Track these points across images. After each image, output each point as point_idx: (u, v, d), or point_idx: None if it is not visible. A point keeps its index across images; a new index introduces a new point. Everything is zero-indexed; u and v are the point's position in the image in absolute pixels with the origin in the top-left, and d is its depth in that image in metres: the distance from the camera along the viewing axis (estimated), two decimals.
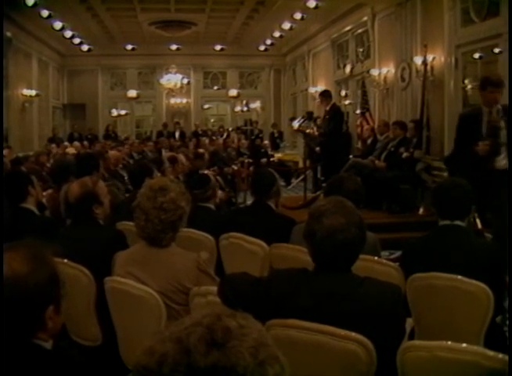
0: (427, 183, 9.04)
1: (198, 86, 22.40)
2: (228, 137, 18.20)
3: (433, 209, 3.81)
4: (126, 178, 7.88)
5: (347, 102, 15.18)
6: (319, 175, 11.45)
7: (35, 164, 10.59)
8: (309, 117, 11.06)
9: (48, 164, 9.84)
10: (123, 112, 22.15)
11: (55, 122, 20.33)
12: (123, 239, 3.82)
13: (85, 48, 19.27)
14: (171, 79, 20.31)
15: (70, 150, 13.08)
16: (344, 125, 12.90)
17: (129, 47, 20.26)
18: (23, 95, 15.92)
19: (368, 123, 12.09)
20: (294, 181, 14.98)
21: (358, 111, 13.27)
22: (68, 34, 16.57)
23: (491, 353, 2.16)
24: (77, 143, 15.80)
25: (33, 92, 16.44)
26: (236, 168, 12.56)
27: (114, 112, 22.03)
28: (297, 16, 14.70)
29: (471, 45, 9.29)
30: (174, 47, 20.31)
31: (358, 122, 12.87)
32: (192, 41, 19.31)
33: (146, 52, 20.63)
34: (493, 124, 5.89)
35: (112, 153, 10.49)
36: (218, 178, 8.93)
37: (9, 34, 13.83)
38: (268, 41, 19.22)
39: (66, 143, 16.12)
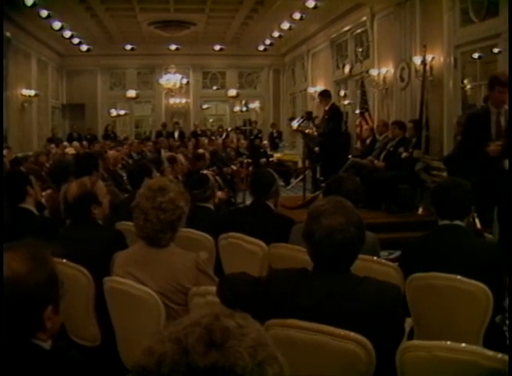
0: (427, 183, 9.05)
1: (197, 86, 22.41)
2: (227, 137, 18.20)
3: (432, 209, 3.81)
4: (125, 178, 7.88)
5: (346, 102, 15.18)
6: (318, 175, 11.45)
7: (34, 164, 10.59)
8: (308, 117, 11.04)
9: (48, 165, 9.83)
10: (122, 112, 22.14)
11: (55, 122, 20.32)
12: (122, 239, 3.82)
13: (84, 48, 19.27)
14: (170, 79, 20.31)
15: (70, 150, 13.07)
16: (343, 125, 12.90)
17: (128, 47, 20.25)
18: (22, 95, 15.91)
19: (367, 123, 12.09)
20: (293, 181, 14.99)
21: (357, 111, 13.26)
22: (67, 34, 16.57)
23: (490, 353, 2.16)
24: (76, 143, 15.79)
25: (32, 92, 16.42)
26: (235, 168, 12.57)
27: (113, 112, 22.02)
28: (296, 16, 14.70)
29: (470, 44, 9.29)
30: (173, 47, 20.30)
31: (358, 122, 12.87)
32: (192, 41, 19.31)
33: (145, 52, 20.63)
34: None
35: (111, 153, 10.50)
36: (217, 178, 8.94)
37: (8, 34, 13.81)
38: (268, 41, 19.22)
39: (65, 143, 16.10)
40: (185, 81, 20.75)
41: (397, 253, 5.98)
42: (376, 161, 9.70)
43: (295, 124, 10.77)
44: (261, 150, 17.05)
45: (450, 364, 2.20)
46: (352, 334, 2.23)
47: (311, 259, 2.52)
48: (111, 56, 20.81)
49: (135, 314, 3.05)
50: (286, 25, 15.88)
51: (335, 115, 10.86)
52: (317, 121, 12.27)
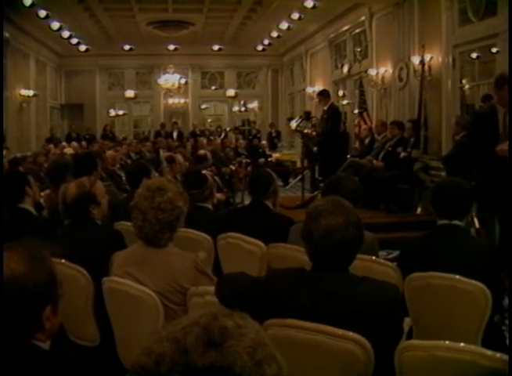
0: (425, 183, 9.05)
1: (196, 86, 22.41)
2: (226, 137, 18.18)
3: (431, 209, 3.81)
4: (124, 178, 7.87)
5: (344, 102, 15.20)
6: (316, 175, 11.45)
7: (33, 164, 10.58)
8: (307, 117, 11.07)
9: (46, 165, 9.82)
10: (121, 112, 22.15)
11: (53, 122, 20.32)
12: (121, 239, 3.81)
13: (83, 48, 19.26)
14: (169, 79, 20.32)
15: (68, 150, 13.05)
16: (342, 125, 12.91)
17: (127, 47, 20.25)
18: (20, 95, 15.90)
19: (366, 123, 12.09)
20: (292, 181, 14.99)
21: (355, 111, 13.28)
22: (66, 34, 16.57)
23: (489, 353, 2.16)
24: (74, 143, 15.77)
25: (30, 93, 16.41)
26: (233, 168, 12.55)
27: (112, 112, 22.03)
28: (295, 15, 14.71)
29: (469, 44, 9.31)
30: (171, 47, 20.30)
31: (356, 122, 12.88)
32: (190, 41, 19.30)
33: (144, 52, 20.62)
34: None
35: (109, 152, 10.50)
36: (216, 178, 8.93)
37: (6, 34, 13.79)
38: (266, 41, 19.21)
39: (63, 143, 16.09)
40: (183, 81, 20.76)
41: (395, 253, 5.99)
42: (374, 161, 9.71)
43: (294, 124, 10.80)
44: (260, 150, 17.06)
45: (449, 364, 2.20)
46: (351, 333, 2.23)
47: (309, 259, 2.51)
48: (110, 56, 20.81)
49: (134, 314, 3.04)
50: (284, 25, 15.89)
51: (334, 115, 10.85)
52: (314, 121, 12.29)
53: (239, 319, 1.14)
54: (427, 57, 9.96)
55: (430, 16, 10.11)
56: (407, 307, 3.35)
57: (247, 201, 5.63)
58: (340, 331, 2.24)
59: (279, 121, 22.00)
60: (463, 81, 9.99)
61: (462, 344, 2.24)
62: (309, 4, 13.28)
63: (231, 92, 22.43)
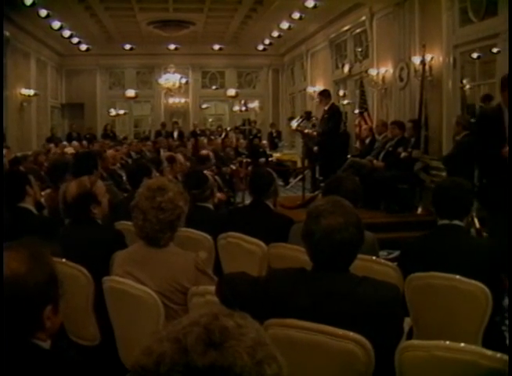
0: (426, 183, 9.05)
1: (196, 86, 22.40)
2: (226, 137, 18.17)
3: (432, 209, 3.81)
4: (124, 177, 7.87)
5: (345, 102, 15.18)
6: (317, 175, 11.44)
7: (34, 163, 10.59)
8: (307, 116, 11.06)
9: (47, 164, 9.82)
10: (121, 111, 22.13)
11: (54, 122, 20.32)
12: (121, 239, 3.82)
13: (84, 47, 19.24)
14: (170, 79, 20.29)
15: (69, 150, 13.06)
16: (343, 125, 12.90)
17: (127, 47, 20.22)
18: (21, 94, 15.89)
19: (366, 123, 12.09)
20: (293, 180, 14.97)
21: (356, 111, 13.27)
22: (66, 33, 16.55)
23: (489, 353, 2.16)
24: (75, 143, 15.80)
25: (31, 92, 16.39)
26: (234, 167, 12.54)
27: (113, 111, 22.01)
28: (296, 15, 14.69)
29: (469, 44, 9.30)
30: (172, 47, 20.29)
31: (357, 122, 12.87)
32: (191, 40, 19.29)
33: (145, 52, 20.61)
34: None
35: (109, 152, 10.49)
36: (217, 177, 8.91)
37: (7, 33, 13.79)
38: (267, 41, 19.19)
39: (64, 143, 16.10)
40: (184, 80, 20.74)
41: (396, 253, 5.99)
42: (375, 161, 9.71)
43: (294, 123, 10.79)
44: (261, 150, 17.03)
45: (449, 364, 2.20)
46: (351, 333, 2.23)
47: (310, 259, 2.51)
48: (110, 56, 20.80)
49: (135, 314, 3.04)
50: (285, 25, 15.88)
51: (334, 115, 10.85)
52: (314, 121, 12.29)
53: (239, 319, 1.14)
54: (428, 57, 9.95)
55: (430, 16, 10.11)
56: (407, 307, 3.35)
57: (248, 201, 5.63)
58: (340, 331, 2.25)
59: (279, 120, 22.00)
60: (464, 81, 9.98)
61: (462, 344, 2.24)
62: (310, 4, 13.27)
63: (231, 92, 22.42)
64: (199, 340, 1.07)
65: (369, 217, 7.41)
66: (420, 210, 8.99)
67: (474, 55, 9.55)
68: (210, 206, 5.29)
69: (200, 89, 22.63)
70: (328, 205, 2.48)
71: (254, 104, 22.80)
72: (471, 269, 3.22)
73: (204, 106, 23.13)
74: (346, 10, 14.00)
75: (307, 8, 13.54)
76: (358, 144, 12.53)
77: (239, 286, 2.65)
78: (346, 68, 14.76)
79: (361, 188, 4.19)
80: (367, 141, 11.28)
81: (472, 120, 8.29)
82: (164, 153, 11.40)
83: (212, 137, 18.25)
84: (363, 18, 13.25)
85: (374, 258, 3.71)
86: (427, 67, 9.91)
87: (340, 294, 2.36)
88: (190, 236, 4.36)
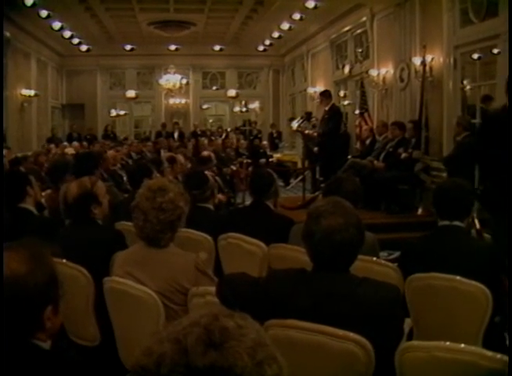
0: (426, 184, 9.05)
1: (197, 86, 22.40)
2: (227, 137, 18.18)
3: (432, 209, 3.81)
4: (124, 178, 7.88)
5: (345, 102, 15.18)
6: (317, 176, 11.44)
7: (34, 164, 10.58)
8: (308, 117, 11.05)
9: (47, 165, 9.82)
10: (122, 112, 22.13)
11: (54, 122, 20.32)
12: (122, 239, 3.82)
13: (84, 48, 19.26)
14: (170, 79, 20.29)
15: (69, 150, 13.05)
16: (343, 126, 12.90)
17: (128, 47, 20.24)
18: (21, 95, 15.89)
19: (367, 123, 12.08)
20: (293, 181, 14.96)
21: (356, 112, 13.26)
22: (67, 34, 16.56)
23: (489, 353, 2.16)
24: (76, 143, 15.79)
25: (32, 92, 16.39)
26: (234, 168, 12.55)
27: (113, 112, 22.01)
28: (296, 16, 14.69)
29: (470, 45, 9.28)
30: (173, 47, 20.30)
31: (357, 122, 12.86)
32: (191, 41, 19.30)
33: (145, 53, 20.61)
34: None
35: (109, 152, 10.49)
36: (217, 178, 8.91)
37: (7, 34, 13.80)
38: (267, 42, 19.20)
39: (65, 143, 16.10)
40: (184, 81, 20.73)
41: (396, 253, 5.97)
42: (375, 162, 9.71)
43: (295, 124, 10.78)
44: (261, 151, 17.02)
45: (449, 365, 2.20)
46: (351, 334, 2.23)
47: (310, 260, 2.52)
48: (111, 56, 20.80)
49: (135, 314, 3.05)
50: (285, 25, 15.87)
51: (335, 115, 10.86)
52: (314, 122, 12.29)
53: (239, 319, 1.14)
54: (428, 58, 9.94)
55: (431, 17, 10.10)
56: (408, 308, 3.35)
57: (248, 202, 5.63)
58: (340, 332, 2.25)
59: (280, 121, 21.99)
60: (464, 82, 9.97)
61: (462, 345, 2.24)
62: (310, 4, 13.27)
63: (232, 93, 22.42)
64: (199, 340, 1.07)
65: (369, 218, 7.42)
66: (420, 211, 8.99)
67: (475, 56, 9.53)
68: (211, 207, 5.29)
69: (201, 90, 22.63)
70: (328, 206, 2.47)
71: (255, 105, 22.79)
72: (472, 270, 3.22)
73: (205, 106, 23.16)
74: (347, 11, 13.99)
75: (307, 8, 13.54)
76: (358, 145, 12.52)
77: (239, 286, 2.65)
78: (346, 69, 14.75)
79: (361, 189, 4.20)
80: (367, 142, 11.28)
81: (473, 121, 8.29)
82: (164, 154, 11.41)
83: (213, 138, 18.24)
84: (364, 19, 13.25)
85: (374, 258, 3.71)
86: (427, 68, 9.90)
87: (341, 294, 2.36)
88: (190, 236, 4.36)
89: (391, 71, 11.87)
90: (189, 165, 10.32)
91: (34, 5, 12.34)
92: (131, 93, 21.87)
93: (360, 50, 14.21)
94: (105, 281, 3.20)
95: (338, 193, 3.52)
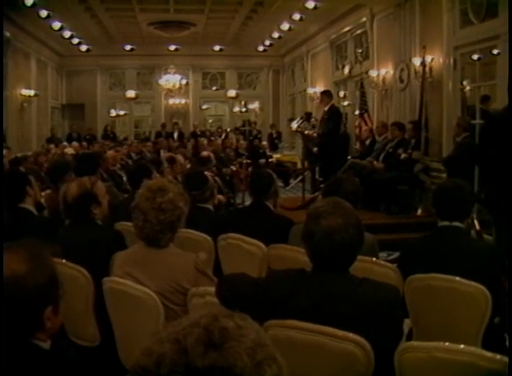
0: (426, 184, 9.06)
1: (197, 87, 22.39)
2: (226, 138, 18.16)
3: (432, 210, 3.81)
4: (124, 178, 7.87)
5: (345, 103, 15.16)
6: (317, 176, 11.45)
7: (34, 164, 10.57)
8: (307, 117, 11.06)
9: (47, 165, 9.80)
10: (121, 112, 22.11)
11: (54, 122, 20.32)
12: (121, 239, 3.82)
13: (84, 48, 19.24)
14: (170, 79, 20.27)
15: (69, 150, 13.04)
16: (343, 126, 12.91)
17: (128, 47, 20.22)
18: (21, 95, 15.87)
19: (366, 124, 12.08)
20: (293, 182, 14.96)
21: (356, 112, 13.25)
22: (67, 34, 16.54)
23: (489, 354, 2.16)
24: (75, 143, 15.78)
25: (31, 92, 16.37)
26: (234, 168, 12.53)
27: (113, 112, 21.99)
28: (296, 16, 14.68)
29: (470, 46, 9.27)
30: (172, 47, 20.29)
31: (357, 123, 12.87)
32: (191, 41, 19.29)
33: (145, 53, 20.61)
34: None
35: (109, 153, 10.49)
36: (217, 178, 8.90)
37: (7, 34, 13.79)
38: (267, 42, 19.18)
39: (64, 143, 16.09)
40: (184, 81, 20.71)
41: (396, 254, 5.98)
42: (375, 162, 9.71)
43: (294, 124, 10.80)
44: (261, 151, 17.01)
45: (449, 365, 2.20)
46: (351, 334, 2.23)
47: (310, 260, 2.52)
48: (111, 57, 20.78)
49: (134, 314, 3.05)
50: (285, 26, 15.85)
51: (334, 116, 10.87)
52: (313, 122, 12.30)
53: (239, 320, 1.14)
54: (428, 58, 9.94)
55: (431, 18, 10.10)
56: (407, 308, 3.35)
57: (248, 202, 5.64)
58: (340, 332, 2.25)
59: (279, 121, 21.98)
60: (464, 83, 9.96)
61: (462, 345, 2.24)
62: (310, 5, 13.26)
63: (232, 93, 22.40)
64: (199, 341, 1.07)
65: (369, 218, 7.43)
66: (419, 211, 9.00)
67: (475, 56, 9.53)
68: (211, 207, 5.29)
69: (201, 90, 22.62)
70: (328, 206, 2.48)
71: (255, 105, 22.77)
72: (471, 271, 3.22)
73: (204, 107, 23.14)
74: (346, 11, 13.99)
75: (307, 9, 13.52)
76: (358, 145, 12.53)
77: (238, 287, 2.65)
78: (346, 69, 14.74)
79: (361, 189, 4.19)
80: (367, 142, 11.29)
81: (472, 121, 8.29)
82: (164, 154, 11.41)
83: (212, 138, 18.22)
84: (364, 19, 13.24)
85: (374, 259, 3.71)
86: (427, 69, 9.90)
87: (340, 295, 2.36)
88: (190, 237, 4.36)
89: (391, 72, 11.87)
90: (188, 165, 10.31)
91: (34, 5, 12.32)
92: (130, 93, 21.85)
93: (360, 51, 14.21)
94: (104, 281, 3.19)
95: (338, 194, 3.52)
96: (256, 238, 4.24)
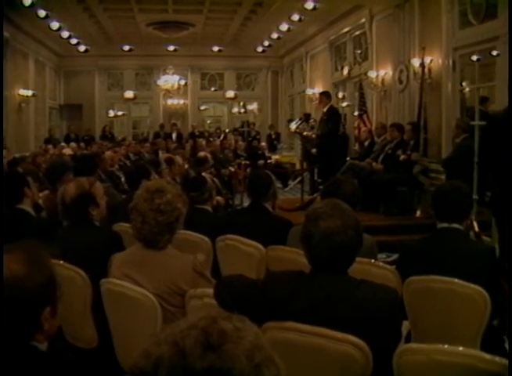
0: (425, 186, 9.05)
1: (195, 87, 22.38)
2: (225, 139, 18.13)
3: (431, 211, 3.81)
4: (122, 179, 7.86)
5: (344, 104, 15.14)
6: (316, 177, 11.44)
7: (32, 164, 10.53)
8: (306, 118, 11.05)
9: (45, 165, 9.77)
10: (120, 113, 22.10)
11: (52, 123, 20.28)
12: (119, 240, 3.79)
13: (82, 48, 19.21)
14: (168, 80, 20.24)
15: (67, 151, 13.02)
16: (342, 127, 12.90)
17: (126, 48, 20.21)
18: (19, 95, 15.85)
19: (365, 125, 12.09)
20: (291, 183, 14.94)
21: (355, 113, 13.26)
22: (65, 34, 16.55)
23: (488, 356, 2.16)
24: (73, 144, 15.74)
25: (29, 93, 16.36)
26: (232, 169, 12.51)
27: (111, 113, 21.97)
28: (295, 17, 14.68)
29: (469, 47, 9.27)
30: (171, 48, 20.28)
31: (356, 124, 12.88)
32: (190, 42, 19.28)
33: (144, 53, 20.60)
34: None
35: (107, 153, 10.48)
36: (215, 180, 8.89)
37: (6, 34, 13.77)
38: (266, 43, 19.17)
39: (62, 144, 16.06)
40: (183, 82, 20.67)
41: (395, 256, 5.97)
42: (374, 164, 9.71)
43: (293, 125, 10.78)
44: (259, 152, 17.00)
45: (448, 368, 2.20)
46: (349, 337, 2.22)
47: (308, 262, 2.51)
48: (109, 57, 20.78)
49: (132, 316, 3.04)
50: (284, 27, 15.86)
51: (333, 117, 10.86)
52: (312, 123, 12.29)
53: (237, 322, 1.14)
54: (427, 60, 9.94)
55: (430, 19, 10.10)
56: (406, 310, 3.34)
57: (246, 203, 5.63)
58: (338, 334, 2.24)
59: (278, 122, 21.99)
60: (463, 84, 9.97)
61: (461, 348, 2.24)
62: (309, 5, 13.23)
63: (230, 94, 22.40)
64: (197, 343, 1.07)
65: (368, 220, 7.43)
66: (418, 213, 8.98)
67: (474, 57, 9.52)
68: (209, 208, 5.30)
69: (199, 91, 22.61)
70: (327, 208, 2.47)
71: (253, 106, 22.72)
72: (470, 273, 3.21)
73: (203, 107, 23.12)
74: (346, 12, 13.99)
75: (306, 10, 13.50)
76: (357, 146, 12.54)
77: (237, 289, 2.65)
78: (345, 70, 14.74)
79: (360, 191, 4.18)
80: (366, 143, 11.29)
81: (471, 123, 8.27)
82: (162, 155, 11.39)
83: (211, 139, 18.20)
84: (363, 20, 13.25)
85: (373, 261, 3.70)
86: (426, 70, 9.91)
87: (339, 297, 2.36)
88: (188, 238, 4.35)
89: (390, 73, 11.88)
90: (186, 166, 10.30)
91: (32, 5, 12.30)
92: (129, 94, 21.84)
93: (359, 51, 14.21)
94: (102, 283, 3.19)
95: (337, 195, 3.54)
96: (254, 240, 4.23)
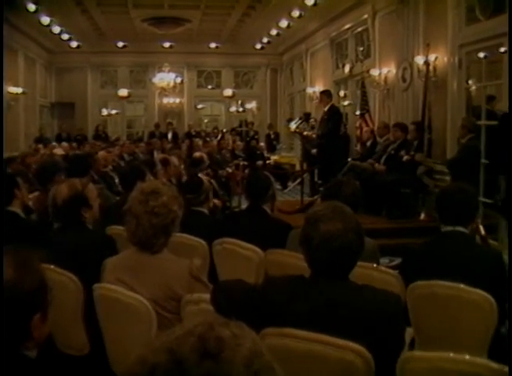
0: (429, 187, 9.01)
1: (192, 85, 22.30)
2: (222, 138, 18.18)
3: (435, 214, 3.77)
4: (116, 180, 7.81)
5: (346, 103, 15.13)
6: (316, 179, 11.44)
7: (21, 165, 10.40)
8: (306, 118, 11.01)
9: (35, 166, 9.68)
10: (113, 112, 22.03)
11: (43, 121, 20.15)
12: (113, 244, 3.77)
13: (74, 44, 19.05)
14: (164, 78, 20.14)
15: (58, 151, 12.94)
16: (343, 127, 12.88)
17: (120, 44, 20.14)
18: (8, 92, 15.70)
19: (367, 125, 12.08)
20: (291, 184, 14.98)
21: (357, 112, 13.25)
22: (56, 29, 16.39)
23: (495, 365, 2.13)
24: (65, 144, 15.63)
25: (19, 90, 16.20)
26: (230, 170, 12.54)
27: (104, 111, 21.92)
28: (295, 13, 14.65)
29: (476, 44, 9.17)
30: (167, 44, 20.24)
31: (358, 124, 12.87)
32: (186, 38, 19.24)
33: (138, 50, 20.51)
34: None
35: (101, 153, 10.40)
36: (212, 181, 8.84)
37: None
38: (265, 40, 19.13)
39: (53, 144, 15.98)
40: (179, 79, 20.55)
41: (398, 260, 5.94)
42: (376, 165, 9.69)
43: (293, 125, 10.71)
44: (258, 152, 17.05)
45: None
46: (350, 343, 2.21)
47: (308, 266, 2.49)
48: (102, 53, 20.69)
49: (126, 323, 3.01)
50: (284, 23, 15.86)
51: (334, 116, 10.86)
52: (312, 123, 12.27)
53: (235, 328, 1.13)
54: (432, 57, 9.89)
55: (435, 15, 10.03)
56: (409, 317, 3.33)
57: (244, 205, 5.63)
58: (339, 341, 2.22)
59: (277, 122, 21.97)
60: (470, 82, 9.89)
61: (467, 356, 2.20)
62: (310, 1, 13.22)
63: (228, 92, 22.35)
64: (193, 350, 1.05)
65: (370, 223, 7.46)
66: (422, 215, 8.96)
67: (481, 54, 9.44)
68: (206, 211, 5.30)
69: (196, 89, 22.54)
70: (327, 210, 2.46)
71: (252, 105, 22.77)
72: (476, 278, 3.19)
73: (200, 106, 23.07)
74: (347, 8, 13.95)
75: (307, 5, 13.49)
76: (358, 147, 12.52)
77: (234, 294, 2.66)
78: (347, 68, 14.70)
79: (361, 193, 4.17)
80: (368, 144, 11.30)
81: (478, 122, 8.20)
82: (157, 155, 11.33)
83: (208, 139, 18.21)
84: (365, 16, 13.20)
85: (375, 265, 3.69)
86: (431, 68, 9.85)
87: (340, 302, 2.35)
88: (184, 241, 4.34)
89: (393, 71, 11.83)
90: (182, 167, 10.23)
91: None
92: (123, 92, 21.68)
93: (361, 49, 14.18)
94: (95, 288, 3.15)
95: (337, 197, 3.54)
96: (253, 243, 4.21)
